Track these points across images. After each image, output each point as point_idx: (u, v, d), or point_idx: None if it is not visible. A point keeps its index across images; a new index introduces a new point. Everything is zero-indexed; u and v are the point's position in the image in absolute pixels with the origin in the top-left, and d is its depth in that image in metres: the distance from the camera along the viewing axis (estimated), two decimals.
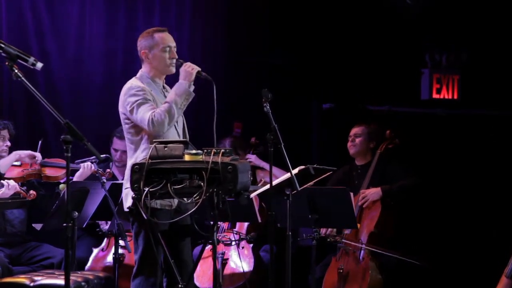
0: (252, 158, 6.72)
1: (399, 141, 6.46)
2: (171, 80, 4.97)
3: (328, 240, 5.88)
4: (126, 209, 4.69)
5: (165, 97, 4.84)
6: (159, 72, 4.86)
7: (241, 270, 6.14)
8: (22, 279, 5.16)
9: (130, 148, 4.79)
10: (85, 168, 6.00)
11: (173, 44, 4.86)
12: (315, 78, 7.67)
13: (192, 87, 4.76)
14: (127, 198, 4.67)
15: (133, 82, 4.80)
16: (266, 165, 6.65)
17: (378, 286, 5.99)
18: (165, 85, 4.95)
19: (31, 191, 5.70)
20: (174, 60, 4.83)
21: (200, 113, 6.92)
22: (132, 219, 4.72)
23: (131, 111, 4.70)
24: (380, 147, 6.39)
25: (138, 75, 4.87)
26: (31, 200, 5.74)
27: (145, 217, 4.28)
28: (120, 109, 4.81)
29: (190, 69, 4.76)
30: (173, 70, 4.85)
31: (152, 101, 4.73)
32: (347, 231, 6.13)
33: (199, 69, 4.79)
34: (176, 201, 4.62)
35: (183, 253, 4.82)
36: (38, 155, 5.86)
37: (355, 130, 6.48)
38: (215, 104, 4.70)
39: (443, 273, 7.08)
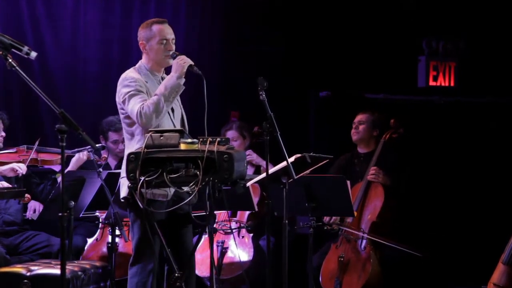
0: (254, 156, 6.68)
1: (404, 130, 6.42)
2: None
3: (325, 228, 5.87)
4: (121, 199, 4.70)
5: None
6: (156, 64, 4.86)
7: (241, 259, 6.13)
8: (18, 268, 5.15)
9: (127, 138, 4.82)
10: (80, 154, 6.00)
11: (171, 36, 4.84)
12: (312, 66, 7.65)
13: (183, 80, 4.73)
14: (123, 188, 4.68)
15: (128, 73, 4.80)
16: (264, 164, 6.63)
17: (378, 277, 5.97)
18: (165, 76, 4.93)
19: (27, 195, 5.67)
20: (171, 53, 4.82)
21: (195, 105, 6.89)
22: (128, 208, 4.74)
23: (124, 102, 4.73)
24: (384, 136, 6.36)
25: (137, 65, 4.88)
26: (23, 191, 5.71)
27: (141, 207, 4.28)
28: (116, 99, 4.82)
29: (182, 62, 4.73)
30: (170, 62, 4.83)
31: (146, 93, 4.72)
32: (348, 219, 6.11)
33: (192, 63, 4.76)
34: (172, 191, 4.62)
35: (185, 240, 4.84)
36: (19, 168, 5.74)
37: (359, 118, 6.46)
38: (205, 100, 4.66)
39: (442, 262, 7.08)
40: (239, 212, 6.32)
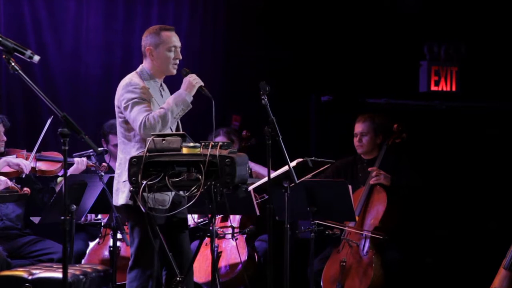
0: None
1: (406, 135, 6.41)
2: (171, 81, 4.98)
3: (327, 233, 5.86)
4: (118, 205, 4.69)
5: (162, 96, 4.83)
6: (160, 71, 4.84)
7: (235, 261, 6.14)
8: (20, 272, 5.13)
9: (122, 142, 4.78)
10: (79, 163, 5.98)
11: (178, 44, 4.84)
12: (314, 71, 7.65)
13: (191, 99, 4.73)
14: (118, 193, 4.67)
15: (132, 78, 4.76)
16: (253, 166, 6.63)
17: (380, 282, 5.95)
18: (163, 84, 4.94)
19: (25, 188, 5.67)
20: (177, 61, 4.83)
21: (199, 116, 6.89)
22: (127, 213, 4.72)
23: (126, 108, 4.67)
24: (387, 142, 6.34)
25: (138, 70, 4.85)
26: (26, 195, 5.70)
27: (144, 210, 4.27)
28: (116, 102, 4.79)
29: (194, 82, 4.73)
30: (174, 71, 4.84)
31: (149, 100, 4.69)
32: (350, 224, 6.10)
33: (202, 84, 4.77)
34: (170, 199, 4.62)
35: (183, 245, 4.83)
36: (25, 167, 5.75)
37: (361, 128, 6.38)
38: (213, 121, 4.68)
39: (444, 267, 7.08)
40: (231, 216, 6.30)
